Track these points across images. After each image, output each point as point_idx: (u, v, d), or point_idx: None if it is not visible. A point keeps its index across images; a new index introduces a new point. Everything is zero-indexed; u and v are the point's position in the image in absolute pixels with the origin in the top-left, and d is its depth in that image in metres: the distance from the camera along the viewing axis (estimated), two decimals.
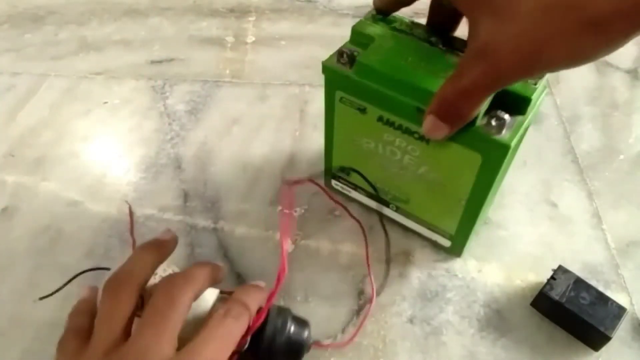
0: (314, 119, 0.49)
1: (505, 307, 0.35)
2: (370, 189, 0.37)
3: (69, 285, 0.34)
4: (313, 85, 0.52)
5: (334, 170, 0.39)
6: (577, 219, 0.40)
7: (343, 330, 0.34)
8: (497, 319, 0.35)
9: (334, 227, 0.40)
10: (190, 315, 0.27)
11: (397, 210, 0.38)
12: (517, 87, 0.28)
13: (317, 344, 0.32)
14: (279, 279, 0.28)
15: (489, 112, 0.27)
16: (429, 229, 0.37)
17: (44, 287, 0.35)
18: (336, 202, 0.40)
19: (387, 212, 0.39)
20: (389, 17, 0.33)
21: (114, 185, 0.43)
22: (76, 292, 0.30)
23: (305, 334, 0.30)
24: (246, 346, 0.28)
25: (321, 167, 0.40)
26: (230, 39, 0.59)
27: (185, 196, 0.42)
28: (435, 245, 0.38)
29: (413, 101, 0.29)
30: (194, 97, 0.51)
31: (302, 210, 0.41)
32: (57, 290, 0.34)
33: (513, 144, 0.27)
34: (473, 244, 0.39)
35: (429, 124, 0.27)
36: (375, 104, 0.31)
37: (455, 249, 0.38)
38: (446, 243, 0.37)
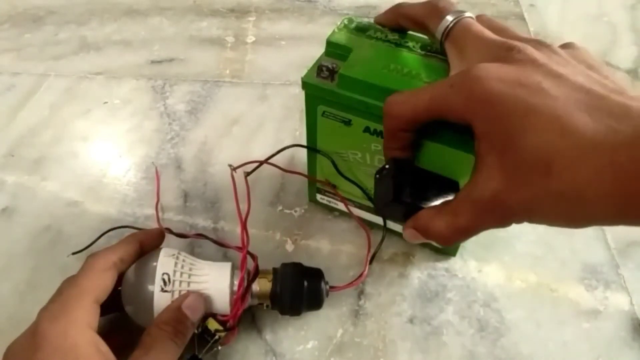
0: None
1: (505, 307, 0.35)
2: (360, 199, 0.37)
3: None
4: None
5: (320, 186, 0.39)
6: None
7: (343, 330, 0.34)
8: (497, 319, 0.35)
9: (334, 227, 0.40)
10: (210, 289, 0.30)
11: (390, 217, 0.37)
12: None
13: (334, 288, 0.34)
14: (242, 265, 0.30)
15: None
16: None
17: (44, 287, 0.35)
18: (334, 192, 0.40)
19: (379, 220, 0.37)
20: (362, 25, 0.33)
21: (114, 185, 0.43)
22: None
23: (321, 283, 0.33)
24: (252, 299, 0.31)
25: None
26: (230, 39, 0.59)
27: (185, 196, 0.42)
28: (429, 246, 0.38)
29: None
30: (194, 97, 0.51)
31: (302, 210, 0.41)
32: (87, 247, 0.38)
33: None
34: (471, 243, 0.39)
35: (411, 237, 0.27)
36: (360, 115, 0.30)
37: (451, 249, 0.38)
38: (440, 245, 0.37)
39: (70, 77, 0.54)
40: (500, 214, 0.24)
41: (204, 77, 0.54)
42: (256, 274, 0.32)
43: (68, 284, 0.28)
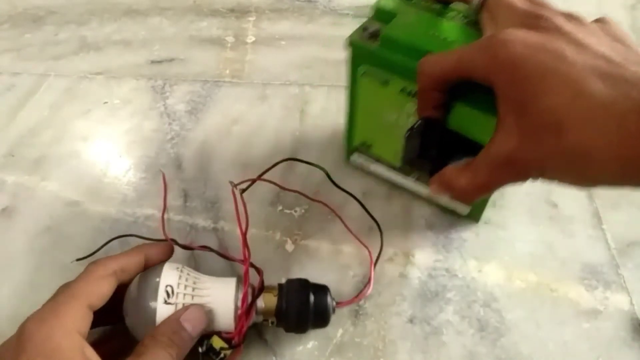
0: (314, 119, 0.49)
1: (505, 307, 0.35)
2: (393, 160, 0.39)
3: None
4: (313, 85, 0.52)
5: (357, 145, 0.41)
6: (577, 219, 0.40)
7: (343, 330, 0.34)
8: (497, 319, 0.35)
9: (334, 227, 0.40)
10: (214, 303, 0.30)
11: (418, 179, 0.39)
12: None
13: (340, 303, 0.34)
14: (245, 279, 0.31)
15: None
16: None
17: (44, 287, 0.35)
18: (331, 209, 0.40)
19: (408, 182, 0.40)
20: None
21: (114, 185, 0.43)
22: None
23: (328, 299, 0.32)
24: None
25: (324, 165, 0.40)
26: (230, 39, 0.59)
27: (185, 196, 0.42)
28: (453, 213, 0.40)
29: None
30: (194, 97, 0.51)
31: (302, 211, 0.41)
32: (91, 254, 0.36)
33: None
34: (471, 243, 0.39)
35: (435, 191, 0.30)
36: (398, 75, 0.33)
37: (474, 214, 0.39)
38: (465, 210, 0.39)
39: (70, 77, 0.54)
40: (516, 171, 0.25)
41: (204, 77, 0.54)
42: (261, 289, 0.31)
43: (62, 289, 0.28)
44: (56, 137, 0.48)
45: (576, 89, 0.22)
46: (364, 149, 0.41)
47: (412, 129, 0.32)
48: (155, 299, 0.28)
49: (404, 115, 0.34)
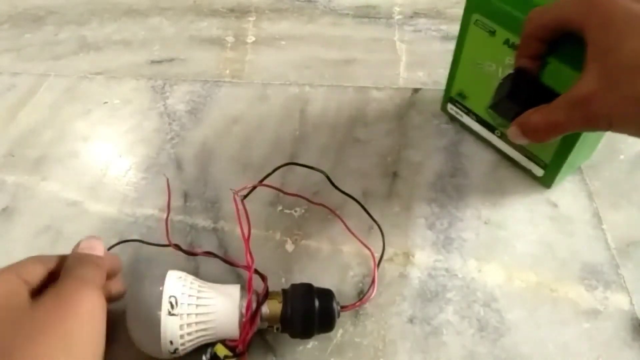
0: (314, 119, 0.49)
1: (505, 307, 0.35)
2: (483, 113, 0.43)
3: None
4: (313, 85, 0.52)
5: (454, 96, 0.45)
6: (577, 219, 0.40)
7: (343, 330, 0.34)
8: (497, 319, 0.35)
9: (334, 227, 0.40)
10: (218, 312, 0.30)
11: (501, 137, 0.42)
12: None
13: (345, 307, 0.34)
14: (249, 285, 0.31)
15: None
16: (526, 156, 0.41)
17: None
18: (331, 210, 0.40)
19: (493, 138, 0.43)
20: None
21: (114, 185, 0.43)
22: None
23: (333, 303, 0.32)
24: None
25: (324, 165, 0.40)
26: (230, 39, 0.59)
27: (185, 196, 0.42)
28: (528, 174, 0.42)
29: None
30: (194, 97, 0.51)
31: (302, 211, 0.41)
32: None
33: None
34: (471, 243, 0.39)
35: (513, 134, 0.32)
36: (505, 26, 0.36)
37: (547, 180, 0.41)
38: (539, 172, 0.41)
39: (70, 77, 0.54)
40: (588, 115, 0.27)
41: (204, 77, 0.54)
42: (266, 295, 0.31)
43: None
44: (56, 137, 0.48)
45: None
46: (460, 99, 0.45)
47: (507, 76, 0.35)
48: (159, 309, 0.28)
49: (502, 67, 0.38)
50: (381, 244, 0.38)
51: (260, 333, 0.34)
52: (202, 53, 0.57)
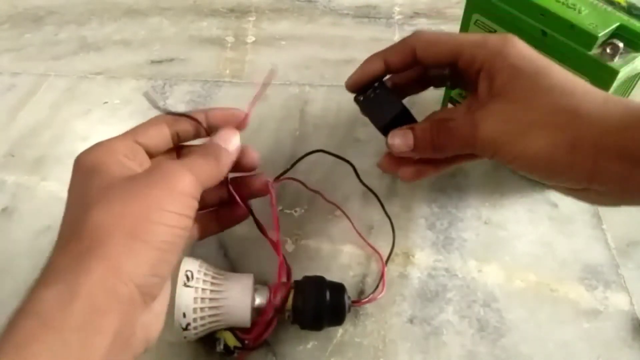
0: (314, 119, 0.49)
1: (505, 307, 0.35)
2: None
3: None
4: (313, 85, 0.52)
5: (453, 95, 0.45)
6: (577, 219, 0.40)
7: (343, 330, 0.34)
8: (497, 319, 0.35)
9: (334, 227, 0.40)
10: (231, 299, 0.30)
11: None
12: (637, 25, 0.32)
13: (356, 302, 0.34)
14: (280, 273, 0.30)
15: (606, 41, 0.31)
16: None
17: None
18: (332, 203, 0.40)
19: None
20: None
21: None
22: None
23: (344, 297, 0.32)
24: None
25: (324, 165, 0.40)
26: (230, 39, 0.59)
27: None
28: None
29: (539, 24, 0.34)
30: (194, 97, 0.51)
31: (302, 211, 0.41)
32: None
33: (622, 70, 0.30)
34: (471, 243, 0.39)
35: (393, 140, 0.31)
36: (505, 26, 0.36)
37: None
38: None
39: (70, 77, 0.54)
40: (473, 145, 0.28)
41: (204, 77, 0.54)
42: (286, 298, 0.31)
43: None
44: (56, 137, 0.48)
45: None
46: (460, 99, 0.45)
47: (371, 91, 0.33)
48: (175, 278, 0.29)
49: None
50: (381, 244, 0.38)
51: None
52: (202, 53, 0.57)
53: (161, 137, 0.29)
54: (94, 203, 0.23)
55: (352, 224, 0.39)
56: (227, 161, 0.28)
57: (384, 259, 0.37)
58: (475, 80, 0.29)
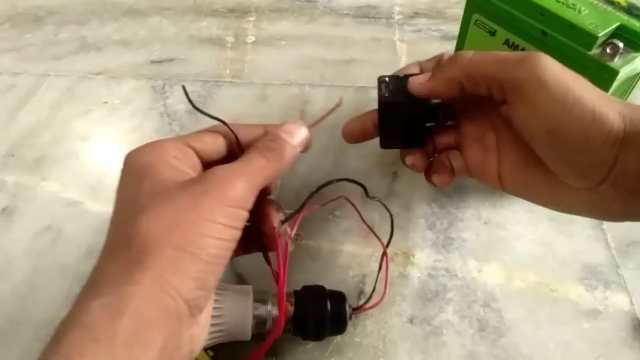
0: (314, 119, 0.48)
1: (505, 307, 0.35)
2: None
3: (71, 285, 0.34)
4: (313, 85, 0.52)
5: None
6: (577, 219, 0.40)
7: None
8: (497, 319, 0.35)
9: (334, 227, 0.40)
10: (230, 315, 0.29)
11: None
12: (637, 25, 0.32)
13: (356, 309, 0.34)
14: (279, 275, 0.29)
15: (606, 41, 0.31)
16: None
17: (44, 287, 0.35)
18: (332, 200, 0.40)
19: None
20: None
21: (114, 185, 0.43)
22: (75, 291, 0.30)
23: (345, 306, 0.32)
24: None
25: (324, 165, 0.40)
26: (230, 39, 0.59)
27: None
28: None
29: (539, 24, 0.34)
30: (194, 97, 0.51)
31: None
32: None
33: (622, 70, 0.30)
34: (471, 243, 0.39)
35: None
36: (505, 26, 0.36)
37: None
38: None
39: (70, 77, 0.54)
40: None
41: (204, 77, 0.54)
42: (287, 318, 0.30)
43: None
44: (56, 137, 0.48)
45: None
46: None
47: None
48: None
49: None
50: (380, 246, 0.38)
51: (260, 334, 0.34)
52: (202, 53, 0.57)
53: (216, 145, 0.28)
54: (144, 210, 0.22)
55: (356, 208, 0.37)
56: (290, 157, 0.27)
57: (386, 251, 0.36)
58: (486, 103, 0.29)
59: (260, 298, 0.31)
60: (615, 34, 0.32)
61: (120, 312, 0.20)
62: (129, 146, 0.47)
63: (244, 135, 0.28)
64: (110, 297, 0.20)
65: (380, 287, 0.36)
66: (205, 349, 0.30)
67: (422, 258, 0.38)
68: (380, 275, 0.35)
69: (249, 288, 0.31)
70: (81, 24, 0.61)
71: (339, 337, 0.34)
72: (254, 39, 0.59)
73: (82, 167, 0.45)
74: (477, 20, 0.38)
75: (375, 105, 0.31)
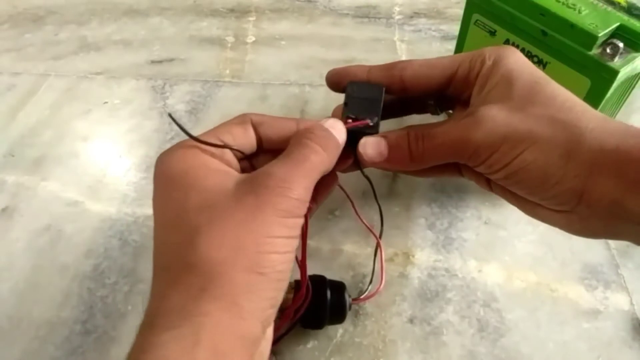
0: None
1: (505, 307, 0.35)
2: None
3: (70, 285, 0.34)
4: (313, 85, 0.52)
5: None
6: None
7: (343, 330, 0.34)
8: (497, 319, 0.35)
9: (334, 227, 0.40)
10: None
11: None
12: (637, 25, 0.32)
13: (355, 300, 0.34)
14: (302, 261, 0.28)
15: (606, 41, 0.31)
16: None
17: (43, 287, 0.35)
18: (353, 205, 0.40)
19: None
20: None
21: (114, 185, 0.43)
22: (75, 291, 0.30)
23: (345, 296, 0.33)
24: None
25: None
26: (230, 39, 0.59)
27: None
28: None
29: (539, 24, 0.34)
30: (194, 97, 0.51)
31: None
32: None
33: (622, 70, 0.30)
34: (471, 243, 0.39)
35: (366, 148, 0.28)
36: (505, 26, 0.36)
37: None
38: None
39: (70, 77, 0.54)
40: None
41: (204, 77, 0.54)
42: (302, 305, 0.30)
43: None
44: (56, 137, 0.48)
45: None
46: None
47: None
48: None
49: None
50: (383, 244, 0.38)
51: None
52: (202, 53, 0.57)
53: (247, 138, 0.26)
54: (201, 230, 0.21)
55: (355, 209, 0.37)
56: (337, 154, 0.26)
57: (379, 242, 0.36)
58: (468, 95, 0.28)
59: None
60: (615, 34, 0.32)
61: (195, 344, 0.19)
62: (129, 146, 0.47)
63: (277, 129, 0.27)
64: (183, 329, 0.19)
65: (376, 281, 0.36)
66: None
67: (422, 258, 0.38)
68: (376, 267, 0.35)
69: None
70: (81, 24, 0.61)
71: (339, 337, 0.34)
72: (254, 39, 0.59)
73: (82, 167, 0.45)
74: (477, 20, 0.38)
75: None
